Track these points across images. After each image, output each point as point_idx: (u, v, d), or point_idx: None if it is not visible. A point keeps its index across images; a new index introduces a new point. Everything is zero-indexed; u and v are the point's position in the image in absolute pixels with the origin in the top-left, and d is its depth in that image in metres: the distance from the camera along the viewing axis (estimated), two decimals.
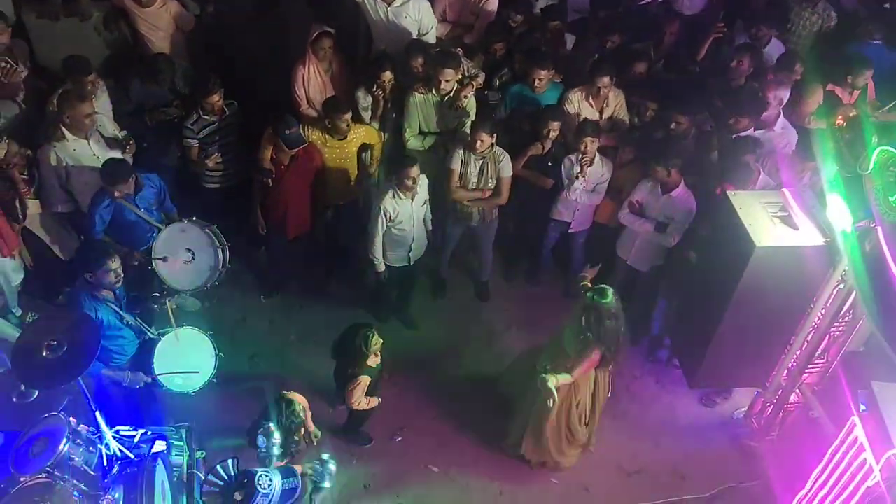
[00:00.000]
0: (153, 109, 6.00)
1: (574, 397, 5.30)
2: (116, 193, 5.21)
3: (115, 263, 4.73)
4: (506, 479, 5.68)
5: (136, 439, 4.27)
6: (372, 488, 5.55)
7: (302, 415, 4.64)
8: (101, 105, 5.82)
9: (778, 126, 6.03)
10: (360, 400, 5.17)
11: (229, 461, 3.93)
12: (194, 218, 5.44)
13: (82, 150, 5.51)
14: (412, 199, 5.73)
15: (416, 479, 5.64)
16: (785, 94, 6.03)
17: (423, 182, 5.76)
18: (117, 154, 5.59)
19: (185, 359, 5.03)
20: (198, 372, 5.03)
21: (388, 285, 6.20)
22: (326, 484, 4.26)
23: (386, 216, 5.71)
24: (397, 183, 5.63)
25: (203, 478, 4.20)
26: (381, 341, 5.06)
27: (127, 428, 4.33)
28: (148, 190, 5.44)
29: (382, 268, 5.97)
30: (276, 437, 4.30)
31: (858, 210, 4.35)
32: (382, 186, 5.79)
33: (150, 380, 4.95)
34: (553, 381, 4.87)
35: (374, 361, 5.13)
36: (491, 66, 6.47)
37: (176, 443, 4.41)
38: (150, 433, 4.34)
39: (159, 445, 4.28)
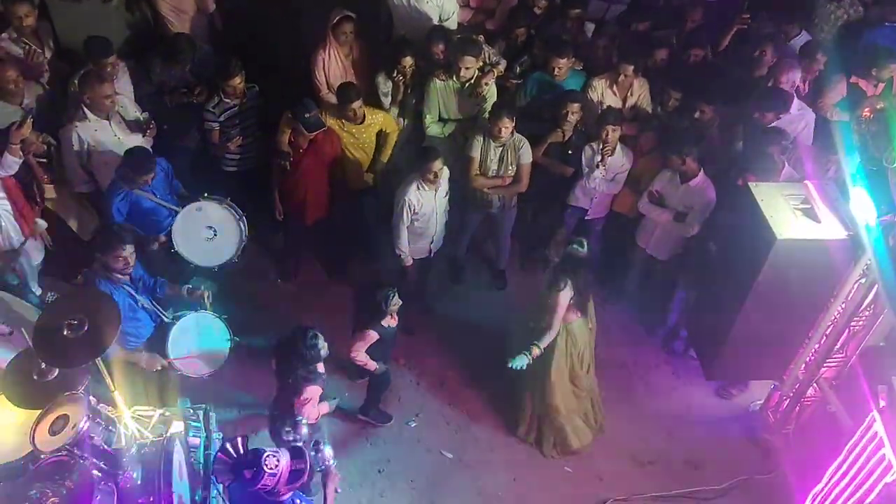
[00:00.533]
0: (173, 91, 6.01)
1: (574, 347, 5.42)
2: (139, 183, 5.23)
3: (127, 251, 4.74)
4: (519, 466, 5.69)
5: (154, 419, 4.30)
6: (385, 472, 5.58)
7: (324, 348, 4.64)
8: (122, 86, 5.83)
9: (794, 108, 5.97)
10: (361, 353, 5.15)
11: (238, 439, 3.95)
12: (205, 195, 5.47)
13: (103, 131, 5.53)
14: (435, 191, 5.71)
15: (430, 464, 5.67)
16: (796, 77, 5.99)
17: (444, 174, 5.74)
18: (138, 137, 5.60)
19: (200, 342, 5.06)
20: (214, 354, 5.06)
21: (408, 276, 6.18)
22: (329, 462, 4.27)
23: (410, 208, 5.68)
24: (420, 176, 5.61)
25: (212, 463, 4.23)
26: (401, 302, 5.08)
27: (145, 408, 4.37)
28: (160, 174, 5.45)
29: (410, 261, 5.95)
30: (304, 430, 4.38)
31: (882, 204, 4.30)
32: (406, 179, 5.77)
33: (166, 364, 4.98)
34: (536, 350, 5.21)
35: (389, 322, 5.14)
36: (512, 52, 6.43)
37: (193, 424, 4.44)
38: (167, 413, 4.38)
39: (177, 426, 4.31)
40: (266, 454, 3.74)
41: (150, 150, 5.53)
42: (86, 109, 5.44)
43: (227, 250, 5.48)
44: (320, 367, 4.73)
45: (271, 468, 3.70)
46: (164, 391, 5.04)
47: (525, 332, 5.43)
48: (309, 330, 4.62)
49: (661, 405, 6.13)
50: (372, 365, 5.26)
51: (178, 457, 4.11)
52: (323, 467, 4.21)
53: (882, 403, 4.31)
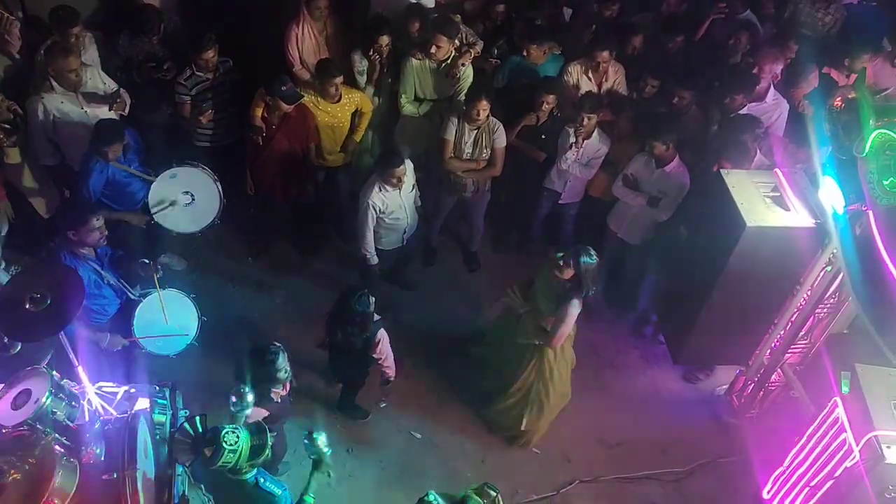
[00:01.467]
0: (142, 65, 5.88)
1: (565, 353, 5.39)
2: (111, 155, 5.13)
3: (100, 221, 4.68)
4: (489, 448, 5.73)
5: (118, 396, 4.24)
6: (355, 453, 5.58)
7: (286, 369, 4.56)
8: (90, 57, 5.72)
9: (769, 97, 6.04)
10: (387, 351, 5.15)
11: (197, 417, 3.91)
12: (176, 162, 5.37)
13: (70, 103, 5.42)
14: (400, 190, 5.60)
15: (400, 445, 5.67)
16: (778, 68, 6.03)
17: (409, 168, 5.62)
18: (105, 109, 5.48)
19: (168, 321, 4.97)
20: (180, 334, 4.98)
21: (378, 271, 6.06)
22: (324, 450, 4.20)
23: (375, 210, 5.56)
24: (382, 178, 5.49)
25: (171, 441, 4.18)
26: (375, 299, 5.04)
27: (110, 384, 4.30)
28: (131, 147, 5.35)
29: (375, 261, 5.86)
30: (249, 397, 4.26)
31: (851, 193, 4.35)
32: (367, 180, 5.63)
33: (127, 343, 4.91)
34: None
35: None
36: (491, 33, 6.39)
37: (159, 401, 4.38)
38: (133, 390, 4.32)
39: (142, 403, 4.25)
40: (225, 430, 3.71)
41: (120, 122, 5.42)
42: (52, 81, 5.33)
43: (208, 213, 5.38)
44: (275, 395, 4.56)
45: (231, 444, 3.67)
46: (130, 368, 4.97)
47: (514, 318, 5.35)
48: (271, 348, 4.49)
49: (628, 388, 6.19)
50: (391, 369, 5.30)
51: (143, 434, 4.06)
52: (315, 456, 4.11)
53: (845, 389, 4.39)
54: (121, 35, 5.94)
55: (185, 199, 5.31)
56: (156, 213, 5.25)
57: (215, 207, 5.36)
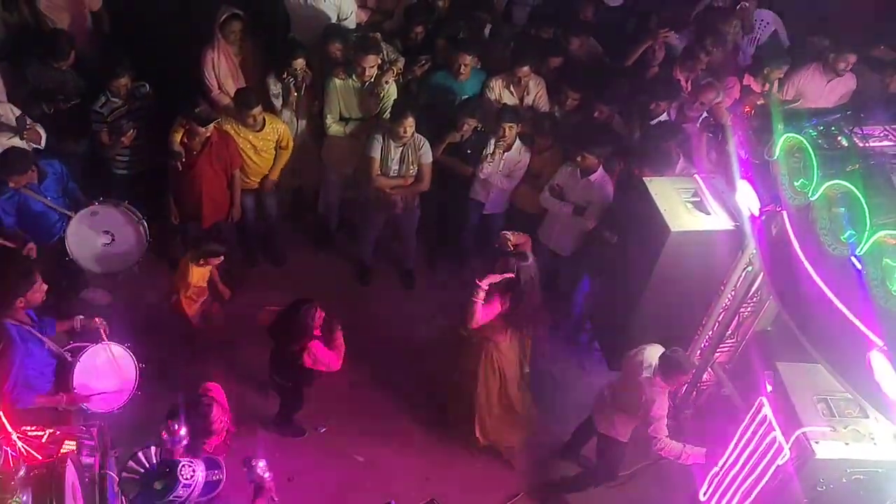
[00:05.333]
0: (52, 95, 5.68)
1: (507, 367, 5.40)
2: (11, 184, 4.94)
3: (39, 280, 4.46)
4: (432, 465, 5.70)
5: (44, 439, 4.08)
6: (296, 480, 5.48)
7: (221, 419, 4.45)
8: None
9: (699, 122, 6.26)
10: (322, 360, 5.08)
11: (152, 448, 3.80)
12: (101, 199, 5.24)
13: None
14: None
15: (342, 468, 5.60)
16: (708, 97, 6.22)
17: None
18: (10, 136, 5.27)
19: (107, 375, 4.77)
20: (123, 388, 4.80)
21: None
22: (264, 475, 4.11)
23: None
24: None
25: (117, 476, 4.05)
26: (324, 314, 5.00)
27: (34, 428, 4.13)
28: (51, 177, 5.19)
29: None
30: (183, 433, 4.15)
31: (766, 195, 4.52)
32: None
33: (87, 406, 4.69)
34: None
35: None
36: (411, 51, 6.43)
37: (87, 442, 4.23)
38: (58, 433, 4.16)
39: (69, 445, 4.10)
40: (182, 464, 3.62)
41: (37, 150, 5.26)
42: None
43: (127, 255, 5.24)
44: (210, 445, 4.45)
45: (187, 478, 3.59)
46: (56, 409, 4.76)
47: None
48: (204, 400, 4.40)
49: (568, 397, 6.25)
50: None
51: (71, 477, 3.91)
52: (256, 481, 4.03)
53: (769, 388, 4.50)
54: (30, 62, 5.75)
55: (105, 238, 5.16)
56: (71, 249, 5.07)
57: (136, 249, 5.23)
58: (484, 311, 5.05)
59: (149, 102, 5.89)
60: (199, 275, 5.47)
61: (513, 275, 5.03)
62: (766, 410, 4.41)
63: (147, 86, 5.85)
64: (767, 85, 6.54)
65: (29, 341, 4.48)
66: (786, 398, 4.33)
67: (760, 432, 4.46)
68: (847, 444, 4.13)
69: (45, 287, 4.52)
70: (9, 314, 4.44)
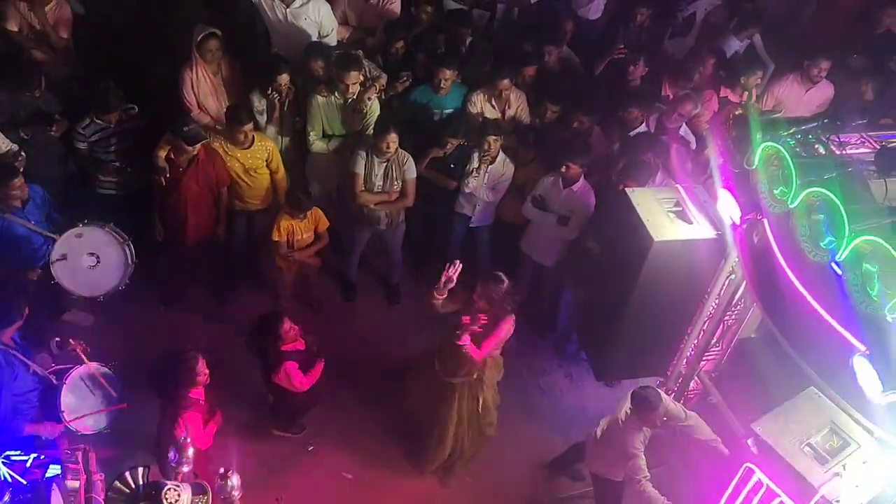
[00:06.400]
0: (29, 121, 5.63)
1: (481, 393, 5.37)
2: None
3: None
4: (422, 483, 5.68)
5: (28, 464, 4.04)
6: (285, 500, 5.44)
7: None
8: None
9: (680, 132, 6.35)
10: (292, 381, 5.11)
11: (139, 469, 3.76)
12: (86, 221, 5.21)
13: None
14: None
15: (331, 488, 5.57)
16: (686, 109, 6.31)
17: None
18: None
19: (94, 397, 4.74)
20: (112, 407, 4.77)
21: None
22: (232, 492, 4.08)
23: None
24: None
25: (102, 500, 4.00)
26: (296, 327, 5.03)
27: (18, 453, 4.09)
28: (33, 202, 5.16)
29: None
30: (190, 453, 4.14)
31: (747, 204, 4.56)
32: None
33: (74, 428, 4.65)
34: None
35: (292, 347, 5.08)
36: (393, 67, 6.46)
37: (71, 466, 4.18)
38: (43, 457, 4.11)
39: (53, 470, 4.06)
40: (167, 487, 3.60)
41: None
42: None
43: (113, 278, 5.21)
44: None
45: (171, 502, 3.56)
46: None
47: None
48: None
49: (556, 408, 6.27)
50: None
51: (56, 502, 3.87)
52: (223, 496, 4.01)
53: (754, 450, 4.23)
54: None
55: (90, 261, 5.13)
56: (57, 272, 5.03)
57: (122, 272, 5.20)
58: (478, 351, 5.01)
59: (136, 124, 5.87)
60: (285, 227, 5.79)
61: (485, 319, 4.96)
62: (760, 476, 4.18)
63: (136, 108, 5.83)
64: (745, 94, 6.64)
65: (14, 365, 4.44)
66: (778, 459, 4.06)
67: (756, 499, 4.19)
68: (857, 486, 3.95)
69: (26, 310, 4.49)
70: None
